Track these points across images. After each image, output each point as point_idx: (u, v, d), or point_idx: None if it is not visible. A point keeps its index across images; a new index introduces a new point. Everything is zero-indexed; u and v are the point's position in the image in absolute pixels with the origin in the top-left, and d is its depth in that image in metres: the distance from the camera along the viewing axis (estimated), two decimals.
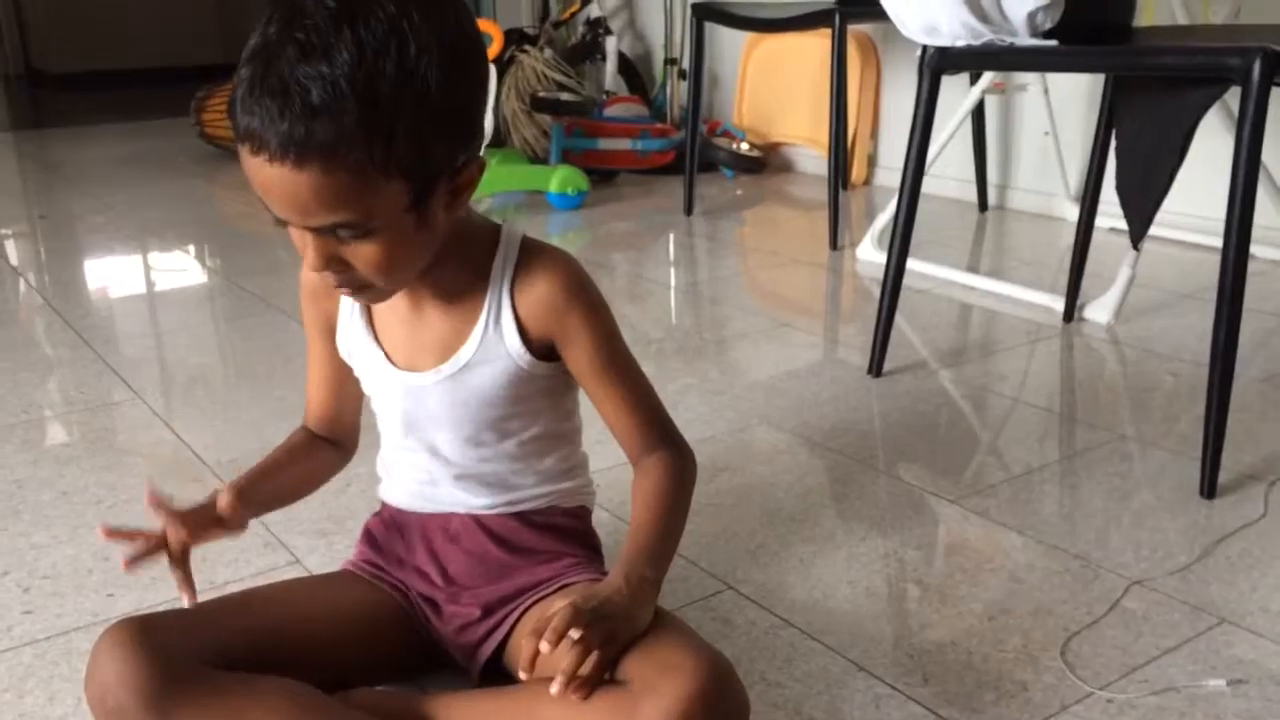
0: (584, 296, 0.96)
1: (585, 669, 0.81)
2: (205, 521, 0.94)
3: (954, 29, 1.56)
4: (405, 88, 0.78)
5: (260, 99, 0.77)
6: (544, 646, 0.80)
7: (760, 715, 0.97)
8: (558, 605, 0.83)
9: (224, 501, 0.94)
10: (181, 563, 0.93)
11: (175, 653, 0.84)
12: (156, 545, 0.92)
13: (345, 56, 0.76)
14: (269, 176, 0.79)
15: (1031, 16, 1.50)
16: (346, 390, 1.05)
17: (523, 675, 0.81)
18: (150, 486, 0.92)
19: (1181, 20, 2.32)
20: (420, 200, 0.83)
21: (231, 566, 1.24)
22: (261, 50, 0.78)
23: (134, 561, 0.91)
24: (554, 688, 0.80)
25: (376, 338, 0.99)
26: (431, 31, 0.80)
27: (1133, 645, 1.07)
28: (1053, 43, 1.52)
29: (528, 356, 0.95)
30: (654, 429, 1.00)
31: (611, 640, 0.83)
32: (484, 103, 0.87)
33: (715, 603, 1.16)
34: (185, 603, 0.92)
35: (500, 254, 0.95)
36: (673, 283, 2.48)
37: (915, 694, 1.01)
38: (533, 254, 0.96)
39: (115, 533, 0.91)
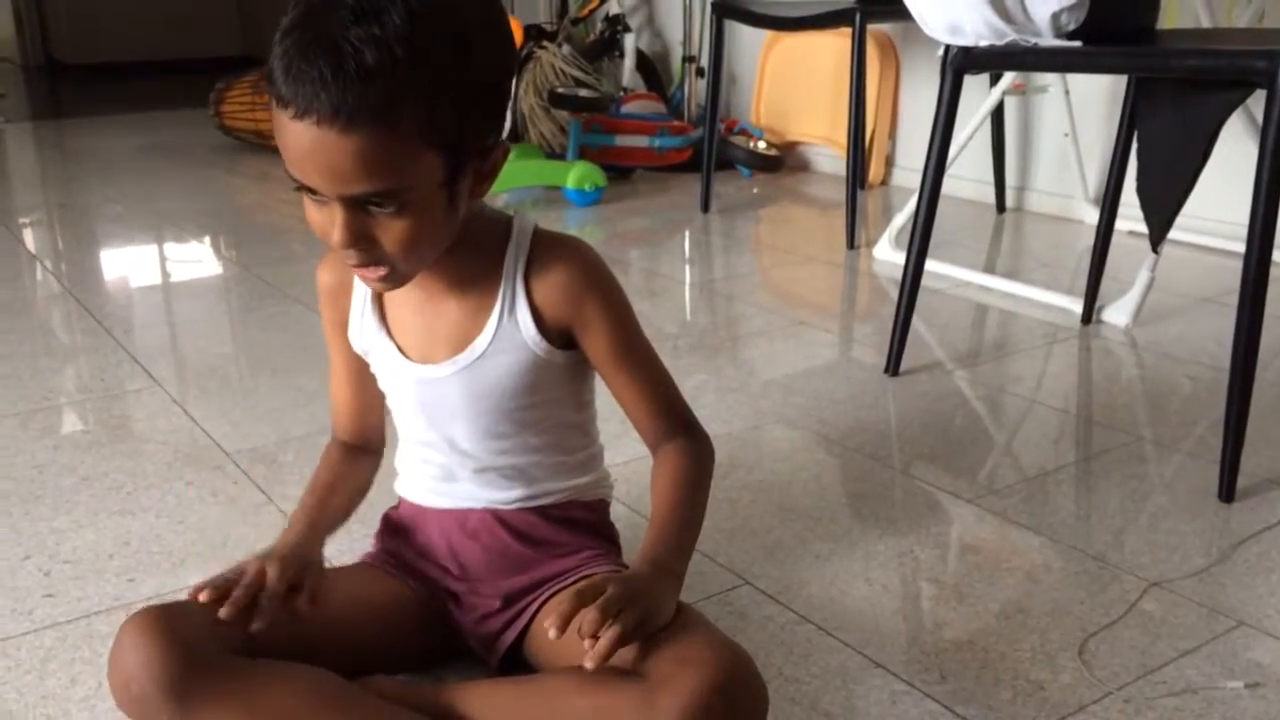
0: (600, 282, 0.96)
1: (602, 649, 0.80)
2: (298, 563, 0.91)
3: (977, 29, 1.56)
4: (452, 57, 0.80)
5: (312, 61, 0.77)
6: (566, 606, 0.80)
7: (777, 710, 0.97)
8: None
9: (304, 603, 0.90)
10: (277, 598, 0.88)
11: (198, 640, 0.85)
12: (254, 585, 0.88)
13: (397, 20, 0.77)
14: (311, 142, 0.78)
15: (1055, 17, 1.49)
16: (370, 390, 1.05)
17: (552, 635, 0.80)
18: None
19: (1205, 23, 2.31)
20: (453, 176, 0.84)
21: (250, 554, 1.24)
22: (308, 16, 0.79)
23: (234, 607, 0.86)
24: (588, 661, 0.80)
25: (390, 333, 0.99)
26: (476, 8, 0.82)
27: (1150, 646, 1.07)
28: (1077, 44, 1.52)
29: (544, 344, 0.95)
30: (672, 416, 1.01)
31: (640, 625, 0.83)
32: (512, 87, 0.88)
33: (732, 597, 1.16)
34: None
35: (513, 243, 0.95)
36: (689, 280, 2.48)
37: (932, 691, 1.01)
38: (546, 242, 0.96)
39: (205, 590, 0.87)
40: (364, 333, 1.00)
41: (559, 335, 0.96)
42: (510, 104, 2.98)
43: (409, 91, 0.78)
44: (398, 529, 1.06)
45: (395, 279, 0.89)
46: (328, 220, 0.83)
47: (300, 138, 0.79)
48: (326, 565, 1.16)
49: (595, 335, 0.96)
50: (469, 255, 0.94)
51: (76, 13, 6.34)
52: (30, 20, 6.80)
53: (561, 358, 0.97)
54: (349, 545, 1.25)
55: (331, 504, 1.04)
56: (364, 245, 0.84)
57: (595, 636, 0.80)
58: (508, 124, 3.04)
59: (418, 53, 0.78)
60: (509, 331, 0.95)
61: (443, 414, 0.99)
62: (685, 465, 0.98)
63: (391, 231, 0.84)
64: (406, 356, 0.98)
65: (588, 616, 0.80)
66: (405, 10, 0.77)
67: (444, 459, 1.01)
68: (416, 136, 0.79)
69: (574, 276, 0.94)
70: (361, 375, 1.05)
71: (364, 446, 1.10)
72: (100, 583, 1.19)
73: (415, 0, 0.78)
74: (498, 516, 1.01)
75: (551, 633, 0.81)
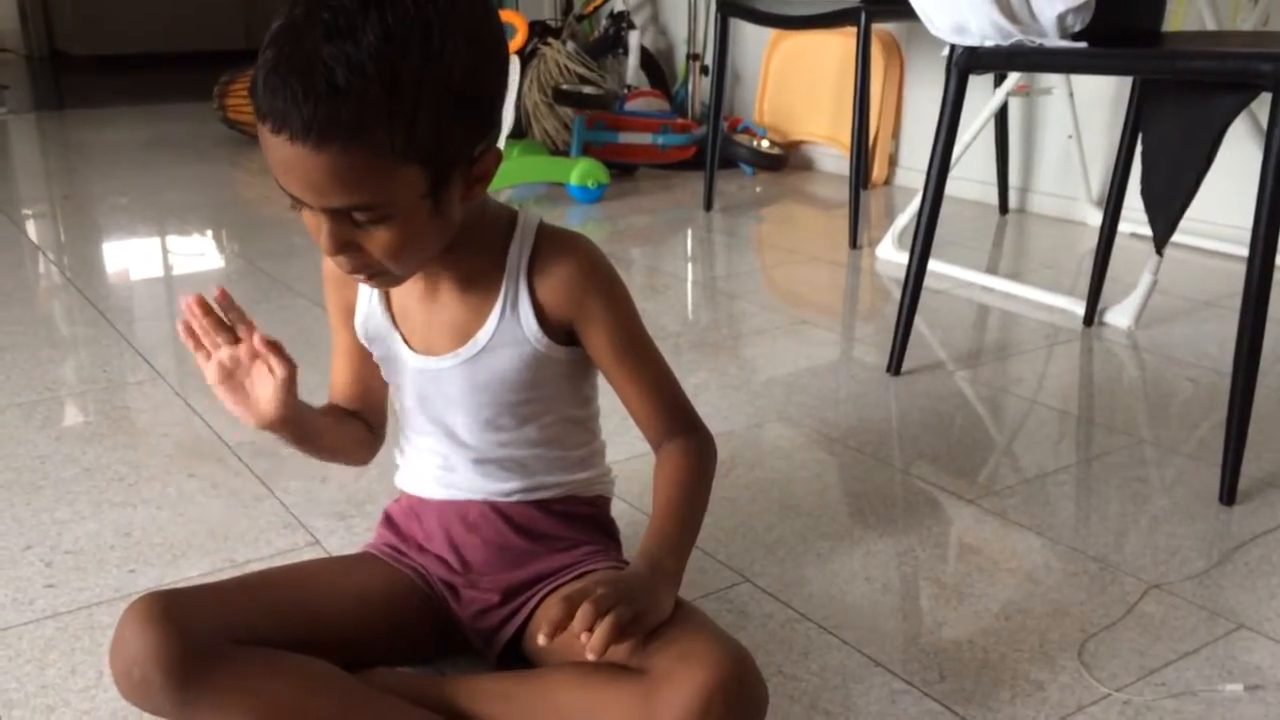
0: (603, 279, 0.96)
1: (600, 638, 0.79)
2: (266, 342, 0.91)
3: (983, 29, 1.56)
4: (428, 73, 0.79)
5: (285, 78, 0.77)
6: (554, 612, 0.80)
7: (776, 708, 0.97)
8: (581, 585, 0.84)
9: (260, 342, 0.91)
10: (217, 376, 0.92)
11: (200, 627, 0.85)
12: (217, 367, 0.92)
13: (371, 38, 0.77)
14: (289, 156, 0.79)
15: (1061, 18, 1.49)
16: (370, 376, 1.06)
17: (541, 640, 0.80)
18: (222, 291, 0.90)
19: (1210, 26, 2.31)
20: (437, 187, 0.84)
21: (251, 546, 1.24)
22: (287, 30, 0.78)
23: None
24: (589, 651, 0.79)
25: (395, 322, 0.99)
26: (457, 19, 0.81)
27: (1150, 648, 1.07)
28: (1082, 45, 1.52)
29: (545, 340, 0.95)
30: (674, 413, 1.00)
31: (637, 621, 0.83)
32: (503, 94, 0.88)
33: (732, 595, 1.16)
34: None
35: (517, 238, 0.95)
36: (691, 278, 2.48)
37: (931, 690, 1.01)
38: (550, 238, 0.96)
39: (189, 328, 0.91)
40: (369, 321, 1.01)
41: (561, 331, 0.96)
42: (512, 102, 2.99)
43: (382, 109, 0.77)
44: (398, 521, 1.06)
45: (389, 280, 0.90)
46: (318, 227, 0.84)
47: (279, 151, 0.79)
48: (329, 557, 1.16)
49: (598, 332, 0.96)
50: (473, 250, 0.94)
51: (81, 4, 6.34)
52: (34, 11, 6.80)
53: (563, 354, 0.97)
54: (350, 539, 1.26)
55: (321, 419, 1.02)
56: (351, 252, 0.85)
57: (591, 630, 0.80)
58: (510, 121, 3.04)
59: (392, 70, 0.77)
60: (510, 326, 0.95)
61: (443, 405, 0.99)
62: (687, 464, 0.98)
63: (377, 240, 0.84)
64: (410, 346, 0.98)
65: (582, 612, 0.80)
66: (380, 27, 0.77)
67: (443, 450, 1.01)
68: (392, 153, 0.79)
69: (577, 273, 0.95)
70: (362, 362, 1.05)
71: (359, 416, 1.09)
72: (101, 574, 1.19)
73: (391, 16, 0.77)
74: (497, 509, 1.01)
75: (541, 639, 0.81)
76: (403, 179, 0.81)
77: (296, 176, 0.80)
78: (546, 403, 0.99)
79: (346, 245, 0.84)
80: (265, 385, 0.91)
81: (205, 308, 0.91)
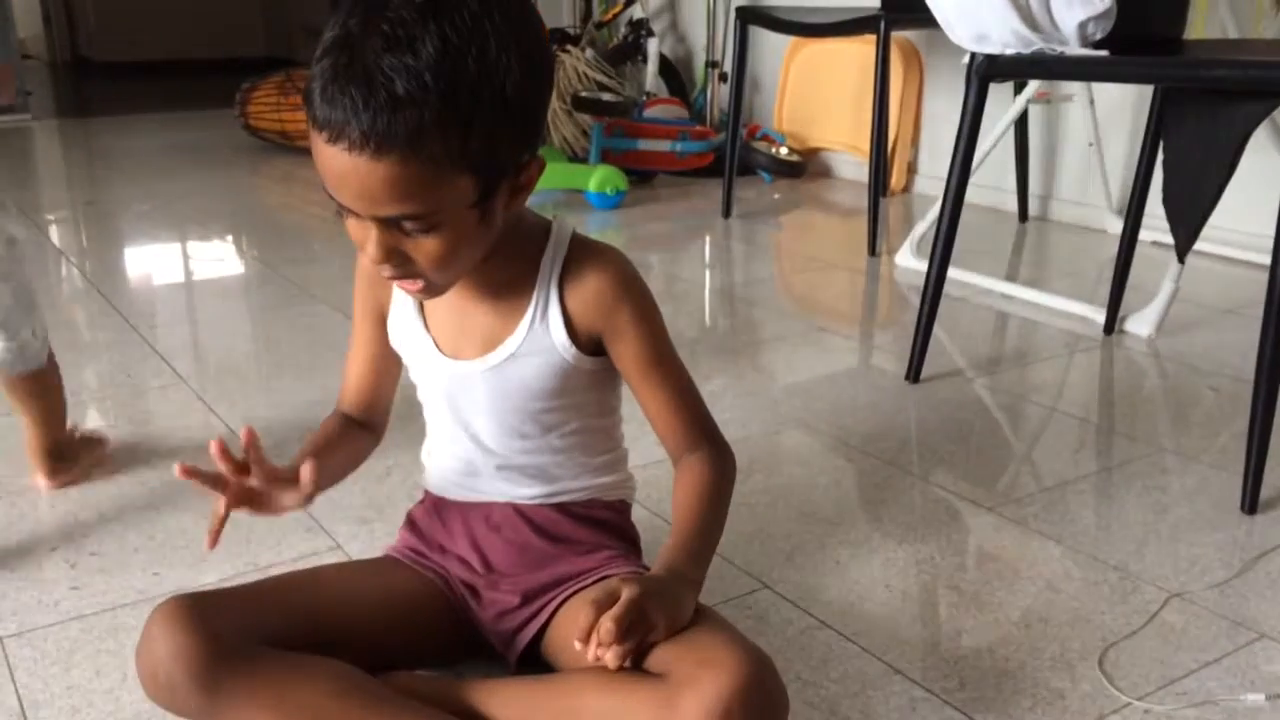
0: (634, 293, 0.97)
1: (617, 653, 0.82)
2: (279, 477, 0.90)
3: (1004, 37, 1.56)
4: (484, 85, 0.80)
5: (345, 88, 0.78)
6: (584, 619, 0.82)
7: (796, 714, 0.97)
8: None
9: (306, 473, 0.88)
10: (232, 506, 0.89)
11: (225, 630, 0.86)
12: (232, 498, 0.89)
13: (430, 50, 0.77)
14: (344, 166, 0.80)
15: (1082, 26, 1.49)
16: (386, 375, 1.07)
17: (577, 644, 0.82)
18: (249, 430, 0.89)
19: (1232, 34, 2.31)
20: (485, 196, 0.85)
21: (274, 550, 1.25)
22: (344, 41, 0.79)
23: (216, 535, 0.89)
24: (591, 652, 0.82)
25: (427, 326, 1.00)
26: (511, 32, 0.82)
27: (1171, 657, 1.07)
28: (1103, 53, 1.52)
29: (574, 350, 0.96)
30: (697, 427, 1.01)
31: (653, 631, 0.84)
32: (548, 104, 0.88)
33: (751, 601, 1.16)
34: (205, 546, 0.89)
35: (550, 248, 0.96)
36: (709, 284, 2.48)
37: (951, 699, 1.01)
38: (583, 249, 0.97)
39: (192, 472, 0.88)
40: (401, 324, 1.01)
41: (589, 342, 0.97)
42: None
43: (440, 120, 0.78)
44: (420, 523, 1.07)
45: (432, 290, 0.91)
46: (364, 235, 0.85)
47: (334, 161, 0.80)
48: (351, 561, 1.17)
49: (626, 344, 0.97)
50: (507, 257, 0.95)
51: (104, 10, 6.41)
52: (58, 17, 6.87)
53: (590, 364, 0.98)
54: (371, 543, 1.26)
55: (329, 457, 1.01)
56: (398, 260, 0.86)
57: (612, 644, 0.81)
58: None
59: (450, 82, 0.78)
60: (539, 335, 0.96)
61: (469, 410, 1.00)
62: (707, 476, 0.99)
63: (424, 249, 0.85)
64: (440, 350, 0.99)
65: (604, 626, 0.81)
66: (439, 38, 0.78)
67: (468, 454, 1.02)
68: (447, 162, 0.80)
69: (608, 285, 0.95)
70: (381, 360, 1.06)
71: (365, 422, 1.10)
72: (125, 576, 1.20)
73: (449, 28, 0.78)
74: (520, 511, 1.02)
75: (578, 645, 0.82)
76: (455, 188, 0.82)
77: (350, 186, 0.81)
78: (571, 411, 1.00)
79: (393, 254, 0.85)
80: (288, 498, 0.90)
81: (225, 454, 0.89)
